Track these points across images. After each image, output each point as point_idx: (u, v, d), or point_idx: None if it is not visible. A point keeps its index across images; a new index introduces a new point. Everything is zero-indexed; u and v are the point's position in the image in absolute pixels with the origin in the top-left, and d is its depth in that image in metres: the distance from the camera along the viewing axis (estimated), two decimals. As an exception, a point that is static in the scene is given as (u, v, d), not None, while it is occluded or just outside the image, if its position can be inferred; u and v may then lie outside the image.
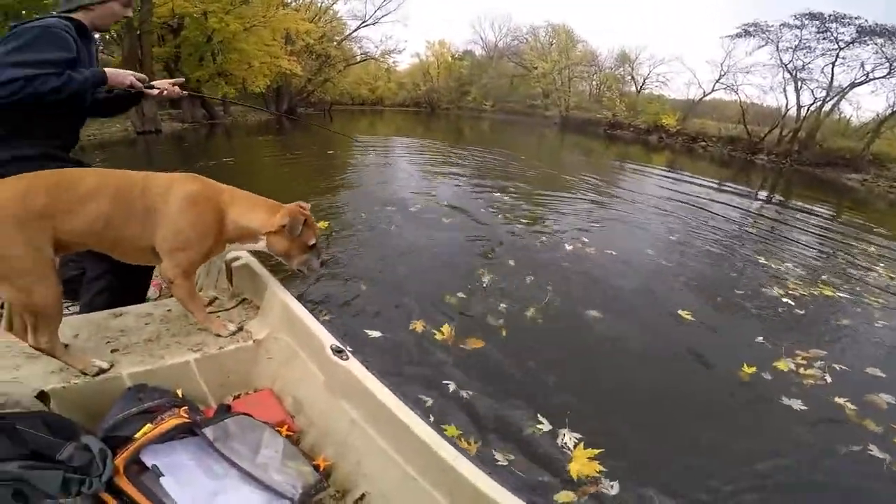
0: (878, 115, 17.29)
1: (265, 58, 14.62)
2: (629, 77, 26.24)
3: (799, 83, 18.52)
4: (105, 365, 1.15)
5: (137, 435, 0.91)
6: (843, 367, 2.55)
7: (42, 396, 1.01)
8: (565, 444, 1.74)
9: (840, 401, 2.24)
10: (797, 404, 2.21)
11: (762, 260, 4.58)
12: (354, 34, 23.39)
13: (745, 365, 2.45)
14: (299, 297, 1.60)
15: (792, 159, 17.30)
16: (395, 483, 1.05)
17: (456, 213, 5.09)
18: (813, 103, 18.31)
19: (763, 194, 10.61)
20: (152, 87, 1.57)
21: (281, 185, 6.28)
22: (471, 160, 9.62)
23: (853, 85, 17.39)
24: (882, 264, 4.98)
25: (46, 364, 1.15)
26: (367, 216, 4.60)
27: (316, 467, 1.11)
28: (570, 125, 25.21)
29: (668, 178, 10.73)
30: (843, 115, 18.98)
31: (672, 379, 2.39)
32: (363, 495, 1.09)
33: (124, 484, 0.87)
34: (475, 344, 2.38)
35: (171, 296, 1.64)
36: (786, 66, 18.77)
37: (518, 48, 29.99)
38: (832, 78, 17.61)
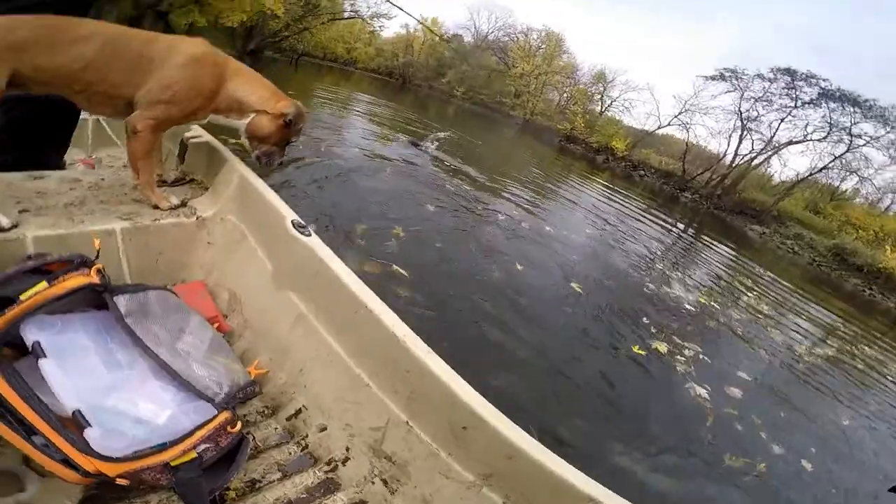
0: (797, 175, 19.25)
1: None
2: (598, 96, 27.04)
3: (745, 132, 19.94)
4: (5, 222, 0.90)
5: (23, 297, 0.69)
6: (707, 360, 3.23)
7: None
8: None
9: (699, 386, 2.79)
10: (667, 380, 2.75)
11: (667, 270, 5.50)
12: None
13: (633, 345, 2.97)
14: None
15: (712, 203, 19.01)
16: (342, 392, 0.91)
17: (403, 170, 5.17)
18: (749, 153, 19.97)
19: (681, 226, 11.79)
20: None
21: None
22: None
23: (790, 143, 18.99)
24: (754, 292, 6.42)
25: None
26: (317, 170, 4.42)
27: (247, 374, 0.95)
28: (529, 129, 25.73)
29: (606, 193, 11.67)
30: (768, 170, 21.04)
31: (560, 351, 2.68)
32: (300, 410, 0.95)
33: None
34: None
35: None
36: (741, 114, 20.11)
37: (505, 45, 29.73)
38: (775, 133, 19.17)
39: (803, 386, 3.60)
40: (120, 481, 0.68)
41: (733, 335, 4.07)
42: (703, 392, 2.70)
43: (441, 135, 7.82)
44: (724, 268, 7.68)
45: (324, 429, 0.91)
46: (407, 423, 0.81)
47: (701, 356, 3.19)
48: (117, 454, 0.67)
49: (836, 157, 17.51)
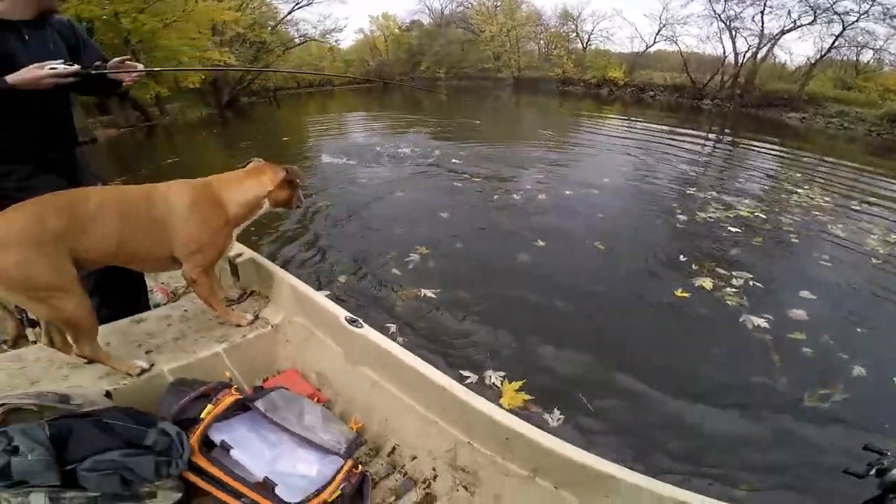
0: (808, 60, 18.44)
1: (192, 52, 13.77)
2: (574, 34, 26.54)
3: (733, 31, 19.42)
4: (146, 365, 1.29)
5: (202, 415, 1.07)
6: (759, 285, 3.06)
7: (108, 395, 1.15)
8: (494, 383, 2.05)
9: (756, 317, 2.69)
10: (718, 318, 2.69)
11: (702, 192, 5.24)
12: (289, 17, 22.29)
13: (675, 290, 2.94)
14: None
15: (735, 102, 18.26)
16: (419, 430, 1.25)
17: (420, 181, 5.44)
18: (748, 50, 19.31)
19: (712, 135, 11.37)
20: (91, 73, 1.37)
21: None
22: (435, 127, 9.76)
23: (782, 32, 18.41)
24: (808, 186, 5.83)
25: (93, 371, 1.27)
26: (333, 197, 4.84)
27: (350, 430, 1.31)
28: (523, 85, 25.47)
29: (623, 125, 11.51)
30: (777, 61, 20.13)
31: (600, 316, 2.74)
32: (394, 447, 1.30)
33: (201, 461, 1.04)
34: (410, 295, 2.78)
35: (179, 299, 1.77)
36: (719, 16, 19.60)
37: (465, 14, 29.37)
38: (762, 26, 18.56)
39: (881, 287, 3.15)
40: None
41: (787, 246, 3.78)
42: (761, 322, 2.58)
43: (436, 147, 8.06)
44: (771, 167, 7.23)
45: (414, 457, 1.25)
46: (469, 442, 1.14)
47: (752, 282, 3.01)
48: (297, 500, 1.05)
49: (837, 36, 16.74)
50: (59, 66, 1.28)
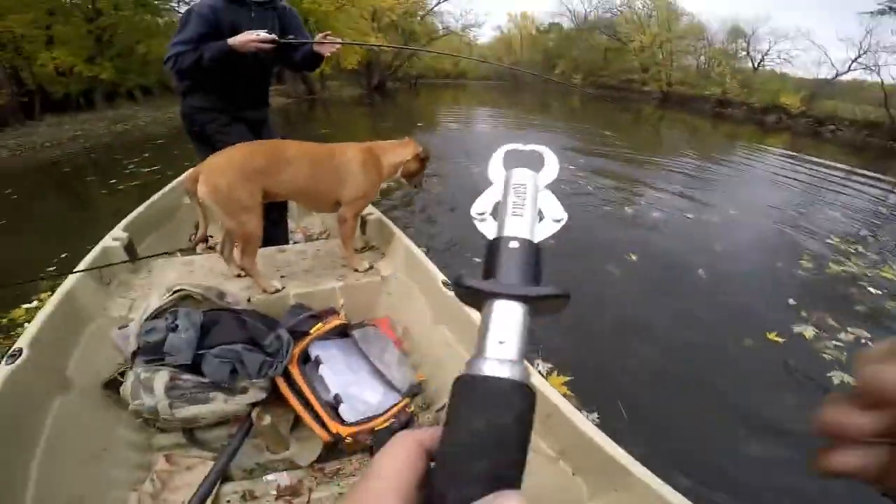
0: None
1: (355, 35, 15.44)
2: (744, 53, 23.32)
3: None
4: (279, 286, 1.63)
5: (312, 330, 1.35)
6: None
7: (249, 301, 1.50)
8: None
9: None
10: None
11: (857, 246, 4.36)
12: (436, 9, 23.65)
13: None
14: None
15: (949, 149, 14.47)
16: None
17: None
18: None
19: None
20: (278, 41, 1.74)
21: None
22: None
23: None
24: None
25: (238, 284, 1.65)
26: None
27: (416, 379, 1.50)
28: (671, 102, 23.33)
29: (786, 159, 9.93)
30: None
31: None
32: (444, 406, 1.45)
33: (293, 369, 1.31)
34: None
35: (316, 239, 2.15)
36: None
37: (611, 20, 27.86)
38: None
39: None
40: (347, 439, 1.23)
41: None
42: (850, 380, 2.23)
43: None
44: None
45: None
46: None
47: (864, 341, 2.62)
48: (351, 421, 1.26)
49: None
50: (262, 34, 1.70)
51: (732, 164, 8.56)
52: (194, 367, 1.23)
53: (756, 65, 23.18)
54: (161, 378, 1.20)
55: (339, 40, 1.87)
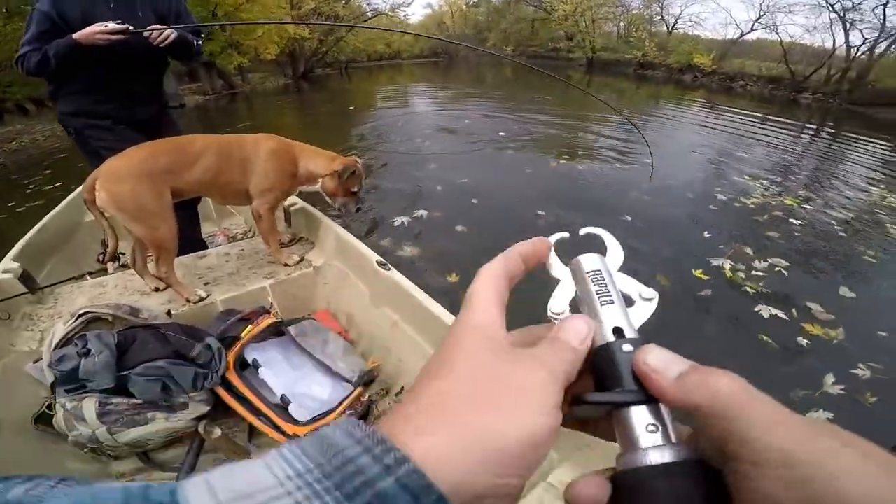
0: None
1: (271, 26, 14.56)
2: (658, 17, 24.64)
3: (847, 24, 17.08)
4: (204, 294, 1.53)
5: (243, 334, 1.29)
6: None
7: (168, 315, 1.40)
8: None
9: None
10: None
11: (766, 178, 4.75)
12: None
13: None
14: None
15: (842, 98, 16.16)
16: None
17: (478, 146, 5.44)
18: (863, 44, 16.94)
19: (810, 129, 10.24)
20: (130, 31, 1.57)
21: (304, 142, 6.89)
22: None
23: None
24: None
25: (158, 298, 1.53)
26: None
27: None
28: (596, 67, 24.27)
29: (705, 111, 10.70)
30: None
31: None
32: (402, 388, 1.45)
33: (232, 377, 1.24)
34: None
35: (240, 240, 2.03)
36: (831, 6, 17.34)
37: None
38: (884, 19, 16.14)
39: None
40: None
41: (835, 240, 3.39)
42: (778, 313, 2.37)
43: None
44: (880, 166, 6.44)
45: None
46: None
47: (781, 270, 2.79)
48: (305, 420, 1.22)
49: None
50: (111, 25, 1.55)
51: (659, 118, 9.13)
52: (123, 390, 1.15)
53: (670, 28, 24.56)
54: (89, 406, 1.12)
55: (171, 28, 1.68)
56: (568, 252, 0.29)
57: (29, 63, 1.61)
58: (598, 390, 0.23)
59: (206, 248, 2.01)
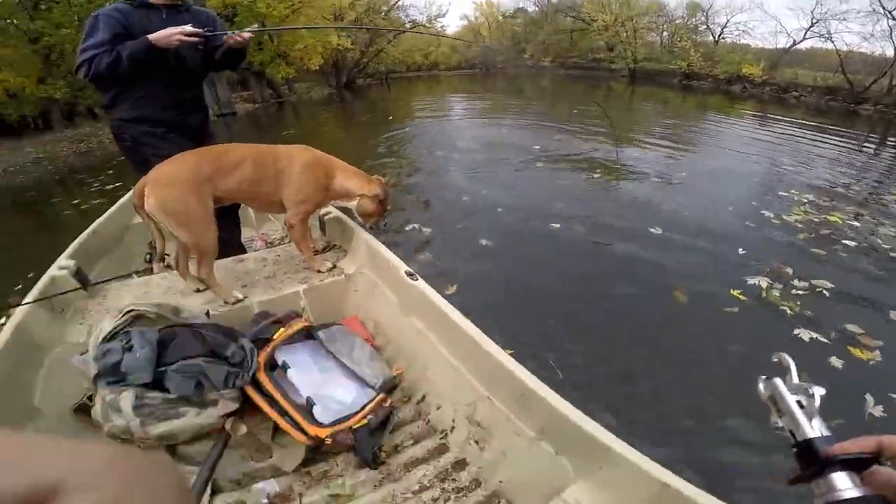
0: None
1: (317, 36, 15.13)
2: (704, 27, 23.79)
3: None
4: (240, 296, 1.58)
5: (275, 336, 1.32)
6: None
7: (207, 315, 1.45)
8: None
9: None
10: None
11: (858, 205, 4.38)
12: (399, 3, 23.34)
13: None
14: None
15: (905, 108, 14.98)
16: (449, 381, 1.36)
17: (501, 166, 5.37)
18: None
19: (872, 142, 9.54)
20: (206, 34, 1.67)
21: (342, 151, 6.99)
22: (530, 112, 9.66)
23: None
24: None
25: (199, 298, 1.60)
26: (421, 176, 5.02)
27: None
28: (639, 77, 23.68)
29: (756, 123, 10.29)
30: None
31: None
32: (424, 396, 1.43)
33: (262, 377, 1.27)
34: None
35: (277, 245, 2.09)
36: (890, 12, 16.17)
37: (574, 2, 27.93)
38: None
39: None
40: (327, 441, 1.21)
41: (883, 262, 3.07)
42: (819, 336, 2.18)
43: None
44: None
45: (439, 407, 1.37)
46: (488, 397, 1.22)
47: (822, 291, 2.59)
48: (328, 422, 1.24)
49: None
50: (188, 27, 1.64)
51: (705, 128, 8.78)
52: (159, 385, 1.20)
53: (717, 37, 23.67)
54: (127, 398, 1.16)
55: (247, 30, 1.78)
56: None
57: (99, 64, 1.59)
58: (803, 467, 0.40)
59: (245, 252, 2.09)
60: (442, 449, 1.28)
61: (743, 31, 23.35)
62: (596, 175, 4.93)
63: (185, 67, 1.81)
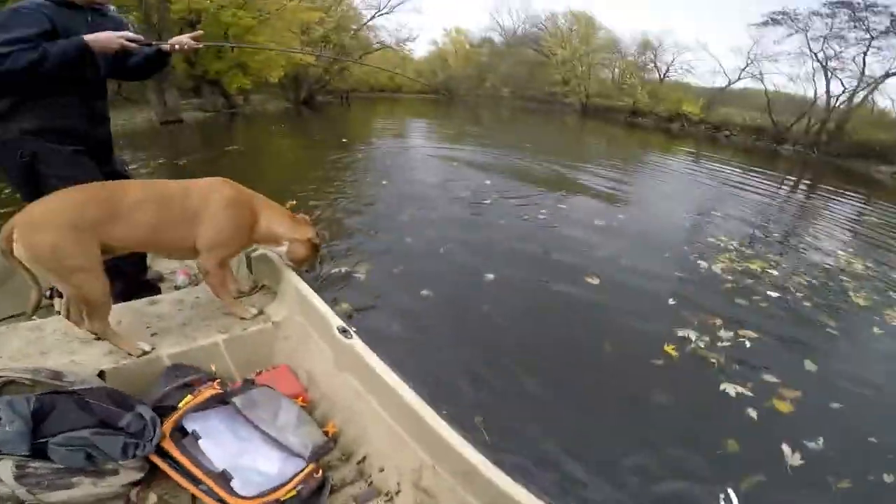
0: None
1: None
2: (651, 65, 25.75)
3: (829, 73, 18.03)
4: (147, 347, 1.37)
5: (181, 404, 1.13)
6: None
7: (101, 375, 1.24)
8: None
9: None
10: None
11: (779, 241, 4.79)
12: (370, 23, 23.46)
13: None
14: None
15: (819, 149, 16.84)
16: (391, 444, 1.24)
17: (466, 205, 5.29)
18: (842, 93, 17.81)
19: (789, 183, 10.55)
20: (152, 44, 1.56)
21: (287, 173, 6.71)
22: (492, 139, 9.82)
23: (887, 75, 16.80)
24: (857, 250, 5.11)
25: (98, 347, 1.37)
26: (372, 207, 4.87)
27: (326, 433, 1.32)
28: (590, 112, 25.05)
29: (692, 162, 11.02)
30: (876, 106, 18.36)
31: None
32: (365, 457, 1.30)
33: (169, 446, 1.09)
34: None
35: (199, 283, 1.88)
36: (815, 55, 18.32)
37: (537, 35, 29.42)
38: (864, 67, 17.06)
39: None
40: None
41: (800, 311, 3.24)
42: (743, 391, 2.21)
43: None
44: (850, 224, 6.64)
45: (382, 469, 1.24)
46: (433, 466, 1.12)
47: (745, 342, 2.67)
48: (251, 495, 1.07)
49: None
50: (130, 34, 1.47)
51: (646, 168, 9.33)
52: (44, 453, 1.00)
53: (662, 75, 25.64)
54: (6, 468, 0.97)
55: (185, 40, 1.62)
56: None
57: (17, 61, 1.33)
58: None
59: (157, 291, 1.86)
60: None
61: (686, 69, 25.37)
62: (541, 216, 4.93)
63: (98, 76, 1.61)
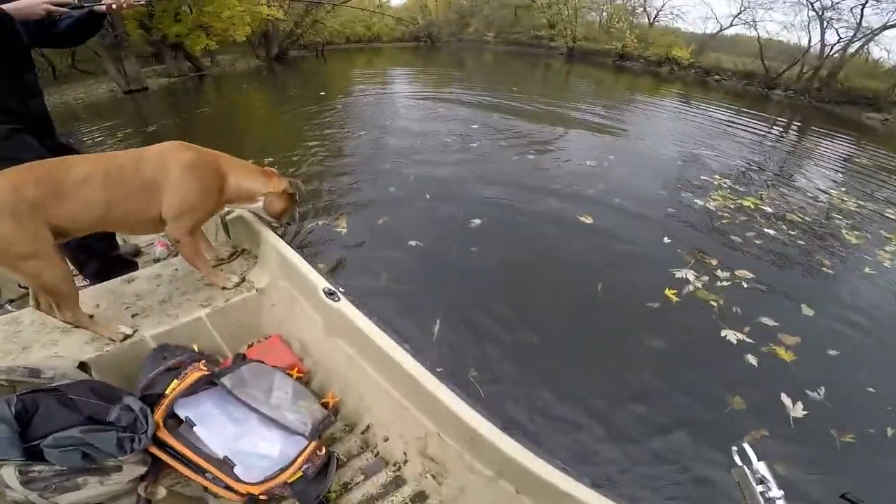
0: None
1: (247, 6, 13.66)
2: (641, 9, 24.58)
3: (825, 22, 17.34)
4: (129, 330, 1.29)
5: (167, 391, 1.07)
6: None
7: (83, 366, 1.16)
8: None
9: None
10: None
11: (766, 181, 4.71)
12: None
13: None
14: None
15: (811, 96, 16.57)
16: (392, 412, 1.21)
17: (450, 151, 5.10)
18: (837, 42, 17.26)
19: (779, 125, 10.42)
20: (84, 5, 1.42)
21: (263, 130, 6.36)
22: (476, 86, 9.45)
23: (884, 27, 16.18)
24: (849, 189, 5.06)
25: (80, 335, 1.29)
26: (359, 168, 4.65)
27: (325, 405, 1.28)
28: (576, 56, 24.10)
29: (681, 104, 10.85)
30: (870, 57, 17.84)
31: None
32: (368, 426, 1.27)
33: (165, 436, 1.04)
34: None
35: (177, 254, 1.78)
36: (811, 4, 17.57)
37: None
38: (861, 19, 16.42)
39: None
40: (262, 497, 1.05)
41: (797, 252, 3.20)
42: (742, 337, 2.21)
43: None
44: (841, 163, 6.55)
45: (387, 439, 1.22)
46: (438, 434, 1.09)
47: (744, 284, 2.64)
48: (256, 480, 1.05)
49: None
50: None
51: (635, 109, 9.10)
52: (41, 456, 0.95)
53: (651, 20, 24.59)
54: (9, 474, 0.93)
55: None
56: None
57: None
58: None
59: (134, 267, 1.74)
60: (397, 482, 1.15)
61: (677, 15, 24.43)
62: (530, 156, 4.81)
63: (23, 44, 1.41)
